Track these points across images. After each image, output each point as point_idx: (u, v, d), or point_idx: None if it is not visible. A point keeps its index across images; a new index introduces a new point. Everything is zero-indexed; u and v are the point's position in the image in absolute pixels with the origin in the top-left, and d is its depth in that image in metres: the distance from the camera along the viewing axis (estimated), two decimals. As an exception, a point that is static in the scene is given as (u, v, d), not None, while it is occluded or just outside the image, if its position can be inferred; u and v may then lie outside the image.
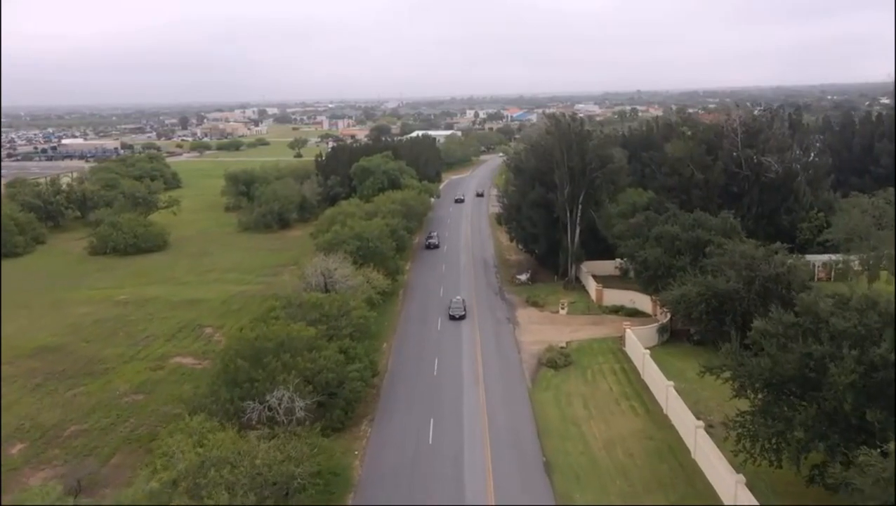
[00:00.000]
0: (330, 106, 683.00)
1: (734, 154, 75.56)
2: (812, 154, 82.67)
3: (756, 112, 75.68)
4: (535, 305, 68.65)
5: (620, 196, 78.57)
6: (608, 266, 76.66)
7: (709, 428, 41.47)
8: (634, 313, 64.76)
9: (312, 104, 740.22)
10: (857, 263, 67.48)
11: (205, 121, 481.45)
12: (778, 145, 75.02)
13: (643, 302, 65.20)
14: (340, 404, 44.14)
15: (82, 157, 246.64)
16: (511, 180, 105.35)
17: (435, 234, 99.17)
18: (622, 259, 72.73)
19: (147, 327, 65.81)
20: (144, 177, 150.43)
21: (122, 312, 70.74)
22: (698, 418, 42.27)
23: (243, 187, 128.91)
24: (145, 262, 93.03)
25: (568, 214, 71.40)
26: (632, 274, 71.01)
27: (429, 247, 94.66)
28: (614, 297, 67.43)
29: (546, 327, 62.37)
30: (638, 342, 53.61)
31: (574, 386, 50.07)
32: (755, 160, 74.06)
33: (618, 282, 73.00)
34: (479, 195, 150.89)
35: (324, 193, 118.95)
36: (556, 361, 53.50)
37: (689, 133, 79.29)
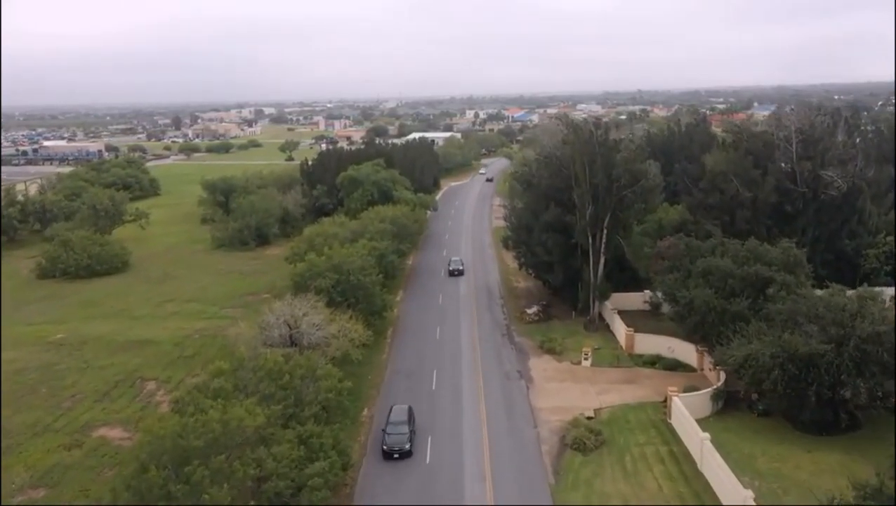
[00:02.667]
0: (328, 106, 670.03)
1: (787, 167, 63.51)
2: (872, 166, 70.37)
3: (815, 117, 63.47)
4: (551, 351, 56.50)
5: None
6: (636, 299, 64.54)
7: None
8: (675, 366, 52.66)
9: (310, 104, 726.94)
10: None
11: (199, 121, 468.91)
12: (839, 156, 62.87)
13: (685, 351, 53.08)
14: (295, 523, 32.12)
15: (63, 159, 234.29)
16: (517, 191, 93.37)
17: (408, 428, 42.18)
18: (654, 293, 60.88)
19: (77, 381, 53.64)
20: (117, 184, 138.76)
21: (53, 358, 58.53)
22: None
23: (221, 197, 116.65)
24: (98, 287, 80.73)
25: (590, 241, 59.17)
26: (665, 310, 59.08)
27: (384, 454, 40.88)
28: (649, 343, 55.25)
29: (567, 386, 50.19)
30: (689, 416, 41.55)
31: (611, 482, 37.92)
32: (813, 174, 61.98)
33: (649, 320, 60.87)
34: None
35: (309, 205, 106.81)
36: (584, 441, 41.37)
37: (731, 141, 67.05)
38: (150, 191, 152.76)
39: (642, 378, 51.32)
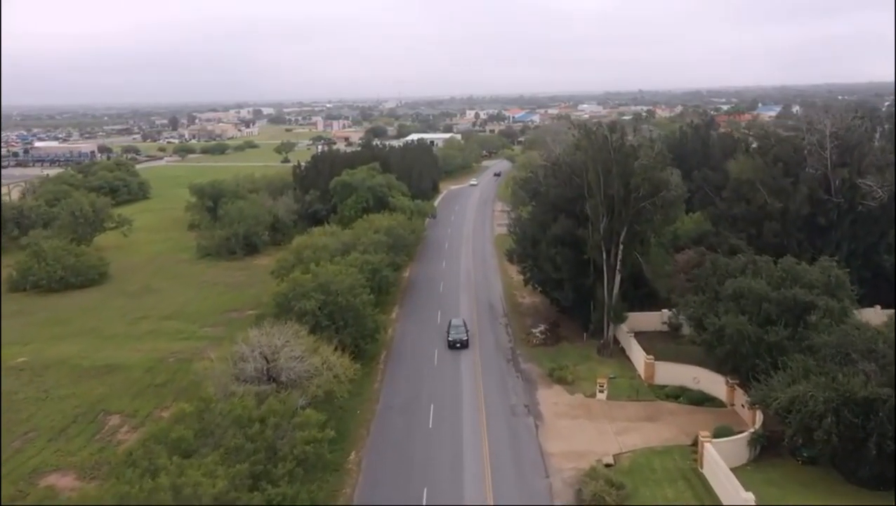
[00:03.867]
0: (327, 106, 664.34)
1: (818, 174, 57.88)
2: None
3: (851, 120, 57.88)
4: (561, 381, 50.84)
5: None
6: (653, 319, 59.06)
7: None
8: (701, 400, 46.96)
9: (310, 104, 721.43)
10: None
11: (196, 121, 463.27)
12: (877, 163, 57.26)
13: (713, 384, 47.38)
14: None
15: (54, 161, 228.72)
16: (521, 198, 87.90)
17: None
18: (673, 313, 55.40)
19: (33, 415, 48.08)
20: (104, 188, 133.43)
21: (11, 385, 52.86)
22: None
23: (210, 203, 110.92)
24: (70, 302, 75.12)
25: (604, 257, 53.51)
26: (685, 331, 53.64)
27: None
28: (671, 373, 49.52)
29: (581, 425, 44.47)
30: (725, 467, 35.90)
31: (637, 551, 32.32)
32: (849, 183, 56.37)
33: (668, 342, 55.46)
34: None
35: (301, 211, 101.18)
36: (605, 496, 35.61)
37: (758, 146, 61.41)
38: (138, 194, 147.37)
39: (665, 414, 45.63)
